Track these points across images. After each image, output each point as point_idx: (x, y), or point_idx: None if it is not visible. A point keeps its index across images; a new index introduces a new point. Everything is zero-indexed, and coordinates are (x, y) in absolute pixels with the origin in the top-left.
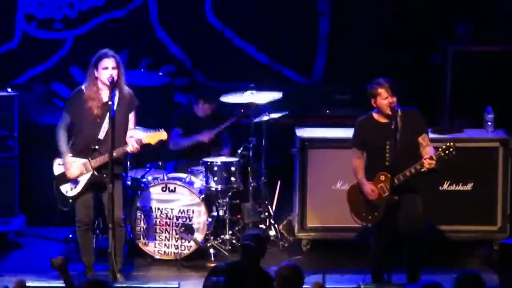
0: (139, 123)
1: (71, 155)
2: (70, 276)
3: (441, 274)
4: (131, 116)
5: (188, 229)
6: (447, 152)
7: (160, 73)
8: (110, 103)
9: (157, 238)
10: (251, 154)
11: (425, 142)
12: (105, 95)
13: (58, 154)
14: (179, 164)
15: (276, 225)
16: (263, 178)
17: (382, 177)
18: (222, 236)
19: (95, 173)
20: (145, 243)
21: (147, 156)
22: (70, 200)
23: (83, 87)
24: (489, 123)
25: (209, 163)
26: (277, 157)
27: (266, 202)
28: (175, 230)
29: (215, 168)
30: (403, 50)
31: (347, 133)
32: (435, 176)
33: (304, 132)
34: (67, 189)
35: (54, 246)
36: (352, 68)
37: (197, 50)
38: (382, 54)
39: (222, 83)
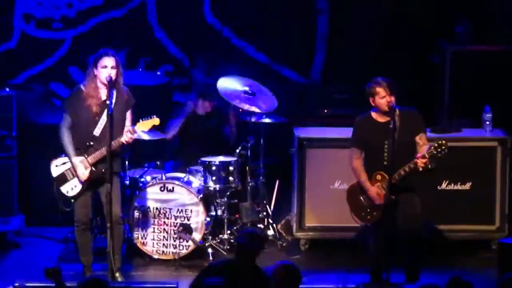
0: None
1: (63, 162)
2: (64, 285)
3: (439, 274)
4: (128, 115)
5: (186, 229)
6: (439, 150)
7: (159, 73)
8: (108, 102)
9: (155, 237)
10: (249, 154)
11: (422, 142)
12: (103, 93)
13: (56, 155)
14: (177, 164)
15: (274, 225)
16: (261, 177)
17: (379, 177)
18: (220, 236)
19: (93, 169)
20: (143, 243)
21: (145, 155)
22: (72, 200)
23: (82, 86)
24: (487, 123)
25: (207, 162)
26: (276, 156)
27: (265, 201)
28: (173, 230)
29: (213, 168)
30: (402, 49)
31: (345, 132)
32: (433, 176)
33: (303, 132)
34: (68, 189)
35: (53, 245)
36: (351, 68)
37: (195, 49)
38: (380, 53)
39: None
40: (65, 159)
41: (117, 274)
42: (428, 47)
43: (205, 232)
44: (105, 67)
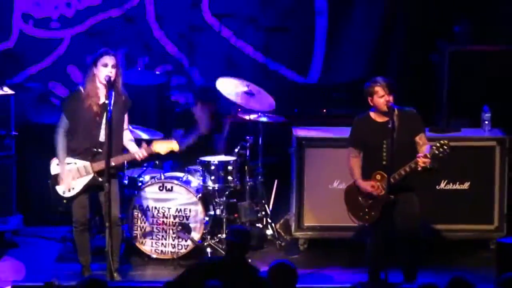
0: (136, 122)
1: (68, 162)
2: None
3: (438, 274)
4: (125, 117)
5: (185, 228)
6: (441, 150)
7: (157, 72)
8: (106, 102)
9: (154, 237)
10: (248, 153)
11: (422, 141)
12: (102, 94)
13: (55, 154)
14: (176, 163)
15: (273, 224)
16: (260, 177)
17: (378, 176)
18: (219, 235)
19: (96, 175)
20: (142, 242)
21: None
22: (65, 201)
23: (80, 87)
24: (486, 122)
25: (206, 162)
26: (274, 156)
27: (263, 201)
28: (172, 229)
29: (212, 167)
30: (400, 49)
31: (344, 132)
32: (432, 175)
33: (301, 131)
34: (64, 190)
35: (51, 245)
36: (349, 67)
37: (194, 49)
38: (379, 53)
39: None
40: (69, 159)
41: (115, 274)
42: (427, 47)
43: (204, 231)
44: (106, 65)
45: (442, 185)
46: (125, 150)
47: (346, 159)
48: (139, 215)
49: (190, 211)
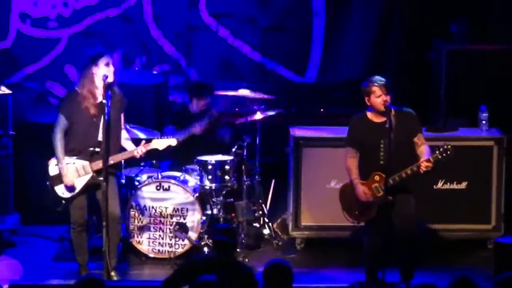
0: (134, 121)
1: (66, 162)
2: None
3: (435, 273)
4: (122, 116)
5: (182, 228)
6: (444, 155)
7: (155, 72)
8: (104, 101)
9: (151, 236)
10: (245, 153)
11: (420, 141)
12: (100, 93)
13: (54, 154)
14: (173, 163)
15: (270, 224)
16: (257, 176)
17: (377, 177)
18: None
19: (95, 175)
20: (139, 242)
21: None
22: (63, 202)
23: (76, 88)
24: (484, 122)
25: (203, 161)
26: (272, 155)
27: (260, 200)
28: (169, 229)
29: (209, 167)
30: (398, 48)
31: (341, 132)
32: (429, 175)
33: (299, 131)
34: (63, 191)
35: (49, 244)
36: (347, 67)
37: (191, 48)
38: (377, 52)
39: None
40: (67, 159)
41: (112, 273)
42: (424, 46)
43: (201, 231)
44: (107, 64)
45: (440, 185)
46: (122, 149)
47: (344, 159)
48: (136, 214)
49: (187, 210)
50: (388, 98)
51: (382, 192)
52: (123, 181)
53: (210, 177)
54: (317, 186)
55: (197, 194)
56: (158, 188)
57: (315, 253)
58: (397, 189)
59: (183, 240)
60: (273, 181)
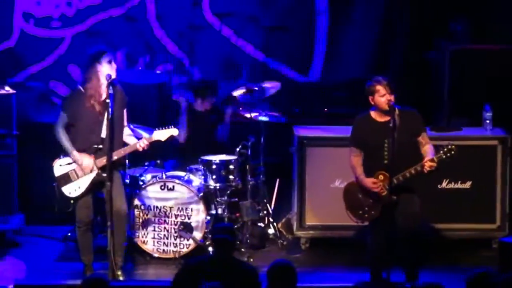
0: (137, 121)
1: (68, 162)
2: None
3: (440, 273)
4: (124, 112)
5: (186, 228)
6: (448, 154)
7: (158, 71)
8: (108, 100)
9: (155, 236)
10: (249, 152)
11: (424, 141)
12: (104, 91)
13: (59, 155)
14: (177, 162)
15: (275, 223)
16: (261, 176)
17: (381, 177)
18: None
19: (99, 171)
20: (143, 241)
21: (146, 154)
22: (72, 201)
23: (80, 87)
24: (488, 121)
25: (207, 161)
26: (276, 155)
27: (265, 200)
28: (174, 229)
29: (214, 166)
30: (401, 48)
31: (345, 131)
32: (433, 175)
33: (303, 131)
34: (70, 190)
35: (53, 244)
36: (350, 67)
37: (195, 48)
38: (380, 52)
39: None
40: (69, 159)
41: (118, 272)
42: (428, 46)
43: (206, 230)
44: (110, 62)
45: (444, 185)
46: (125, 145)
47: (348, 158)
48: (141, 214)
49: (191, 210)
50: (392, 97)
51: (386, 192)
52: (128, 180)
53: (214, 176)
54: (321, 186)
55: (201, 194)
56: (163, 187)
57: (320, 253)
58: (401, 188)
59: (187, 240)
60: (278, 180)
